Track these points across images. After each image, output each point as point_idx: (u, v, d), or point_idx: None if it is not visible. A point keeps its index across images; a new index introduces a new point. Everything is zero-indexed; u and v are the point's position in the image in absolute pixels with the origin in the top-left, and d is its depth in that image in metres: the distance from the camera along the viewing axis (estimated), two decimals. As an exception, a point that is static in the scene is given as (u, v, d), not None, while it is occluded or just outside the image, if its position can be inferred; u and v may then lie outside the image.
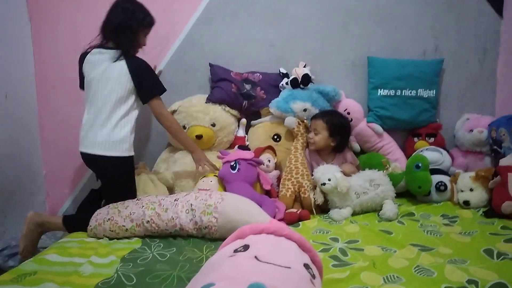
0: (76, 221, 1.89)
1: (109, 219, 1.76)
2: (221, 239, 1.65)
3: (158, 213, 1.72)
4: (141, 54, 2.45)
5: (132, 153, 1.98)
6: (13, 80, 2.23)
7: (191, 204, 1.71)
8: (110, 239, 1.76)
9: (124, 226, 1.74)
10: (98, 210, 1.83)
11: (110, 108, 1.90)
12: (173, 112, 2.34)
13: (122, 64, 1.91)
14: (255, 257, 0.78)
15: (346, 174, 2.13)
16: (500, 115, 2.40)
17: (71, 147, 2.46)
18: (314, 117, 2.28)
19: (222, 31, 2.48)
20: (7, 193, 2.16)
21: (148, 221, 1.71)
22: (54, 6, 2.38)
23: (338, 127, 2.25)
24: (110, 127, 1.90)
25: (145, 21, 1.99)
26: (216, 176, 2.10)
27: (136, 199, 1.88)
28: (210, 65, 2.44)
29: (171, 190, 2.23)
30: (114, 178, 1.96)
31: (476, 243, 1.60)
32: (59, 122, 2.46)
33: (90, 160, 1.96)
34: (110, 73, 1.91)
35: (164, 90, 2.03)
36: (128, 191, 1.97)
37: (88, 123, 1.94)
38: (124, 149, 1.93)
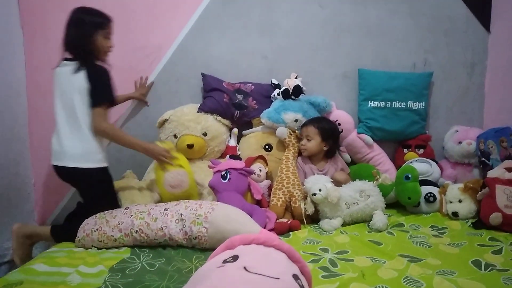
0: (65, 231, 1.87)
1: (97, 229, 1.74)
2: (211, 249, 1.64)
3: (147, 222, 1.71)
4: (135, 62, 2.48)
5: (105, 164, 1.94)
6: (4, 87, 2.21)
7: (181, 214, 1.70)
8: (99, 248, 1.74)
9: (113, 236, 1.72)
10: (85, 221, 1.81)
11: (75, 119, 1.87)
12: (165, 121, 2.34)
13: (83, 75, 1.87)
14: (244, 267, 0.78)
15: (340, 181, 2.15)
16: (488, 128, 2.44)
17: (61, 155, 2.46)
18: (305, 124, 2.30)
19: (214, 42, 2.49)
20: (-5, 201, 2.13)
21: (137, 231, 1.70)
22: (47, 14, 2.38)
23: (330, 132, 2.29)
24: (78, 139, 1.87)
25: (98, 23, 1.93)
26: (182, 166, 2.08)
27: (124, 208, 1.86)
28: (203, 74, 2.46)
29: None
30: (89, 190, 1.93)
31: (465, 254, 1.61)
32: (49, 130, 2.40)
33: (63, 173, 1.92)
34: (72, 85, 1.88)
35: (112, 100, 1.94)
36: (106, 203, 1.93)
37: (56, 136, 1.92)
38: (95, 160, 1.90)
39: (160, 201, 2.11)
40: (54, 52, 2.38)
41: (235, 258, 0.83)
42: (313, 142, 2.26)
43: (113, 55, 2.41)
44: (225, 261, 0.83)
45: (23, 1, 2.34)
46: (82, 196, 1.98)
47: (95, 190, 1.93)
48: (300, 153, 2.35)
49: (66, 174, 1.92)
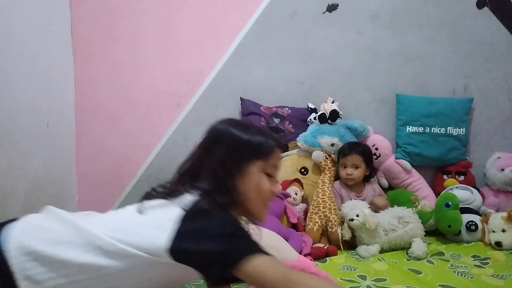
0: None
1: None
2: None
3: None
4: (177, 87, 2.58)
5: None
6: (55, 110, 2.35)
7: None
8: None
9: None
10: None
11: None
12: (204, 144, 2.41)
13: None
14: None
15: (379, 207, 2.14)
16: (532, 155, 2.37)
17: (104, 175, 2.57)
18: (347, 153, 2.27)
19: (253, 68, 2.56)
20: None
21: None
22: (97, 43, 2.52)
23: (371, 156, 2.31)
24: None
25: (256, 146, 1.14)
26: None
27: None
28: (241, 99, 2.52)
29: None
30: None
31: (510, 287, 1.56)
32: (95, 151, 2.56)
33: None
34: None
35: None
36: None
37: None
38: None
39: None
40: (101, 79, 2.55)
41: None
42: (360, 170, 2.26)
43: (157, 80, 2.55)
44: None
45: (76, 29, 2.49)
46: None
47: None
48: (337, 177, 2.35)
49: None
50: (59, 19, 2.41)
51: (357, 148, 2.29)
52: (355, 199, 2.23)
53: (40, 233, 1.00)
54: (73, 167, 2.57)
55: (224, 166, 1.06)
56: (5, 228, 1.01)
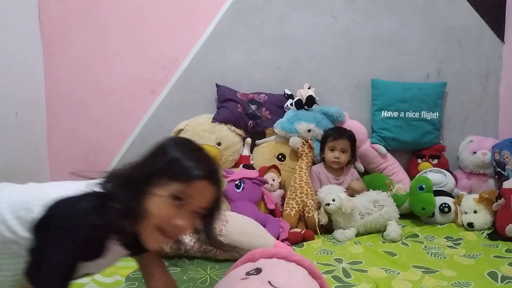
0: None
1: None
2: (225, 260, 1.67)
3: None
4: (152, 74, 2.52)
5: None
6: (24, 99, 2.28)
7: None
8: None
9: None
10: None
11: None
12: (180, 130, 2.38)
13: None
14: (269, 282, 0.79)
15: (356, 190, 2.17)
16: (503, 138, 2.42)
17: (78, 165, 2.51)
18: (338, 137, 2.27)
19: (228, 54, 2.53)
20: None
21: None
22: (66, 28, 2.44)
23: (355, 142, 2.33)
24: None
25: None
26: None
27: None
28: (217, 85, 2.49)
29: None
30: None
31: (480, 266, 1.60)
32: (67, 141, 2.50)
33: None
34: None
35: None
36: None
37: None
38: None
39: None
40: (72, 65, 2.47)
41: (258, 271, 0.85)
42: (347, 154, 2.28)
43: (130, 66, 2.49)
44: (248, 273, 0.85)
45: (43, 14, 2.40)
46: None
47: None
48: (314, 162, 2.36)
49: None
50: (26, 3, 2.31)
51: (346, 133, 2.31)
52: (334, 183, 2.25)
53: None
54: (45, 158, 2.50)
55: (139, 173, 0.96)
56: None
